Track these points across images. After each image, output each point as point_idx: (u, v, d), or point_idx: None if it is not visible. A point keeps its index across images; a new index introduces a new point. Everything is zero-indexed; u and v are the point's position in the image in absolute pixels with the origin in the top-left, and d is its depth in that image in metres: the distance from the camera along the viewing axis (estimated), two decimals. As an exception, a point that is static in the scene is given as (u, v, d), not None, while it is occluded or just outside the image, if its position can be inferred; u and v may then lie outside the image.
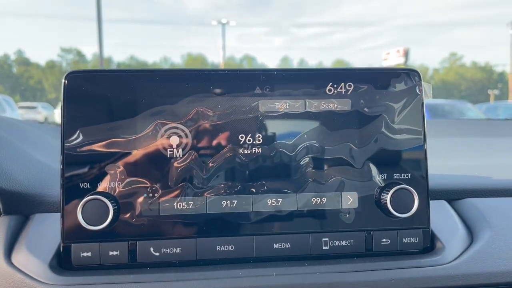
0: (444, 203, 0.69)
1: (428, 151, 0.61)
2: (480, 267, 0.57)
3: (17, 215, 0.62)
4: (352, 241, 0.57)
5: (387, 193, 0.56)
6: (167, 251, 0.55)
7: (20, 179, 0.63)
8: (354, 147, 0.58)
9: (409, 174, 0.58)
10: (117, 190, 0.54)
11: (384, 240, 0.58)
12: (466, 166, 0.86)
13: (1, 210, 0.61)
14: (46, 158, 0.74)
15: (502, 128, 1.52)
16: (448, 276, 0.55)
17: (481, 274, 0.56)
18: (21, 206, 0.62)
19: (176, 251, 0.55)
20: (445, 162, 0.91)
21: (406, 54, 23.33)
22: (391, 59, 24.50)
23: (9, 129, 0.76)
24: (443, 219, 0.64)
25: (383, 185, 0.58)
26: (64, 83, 0.55)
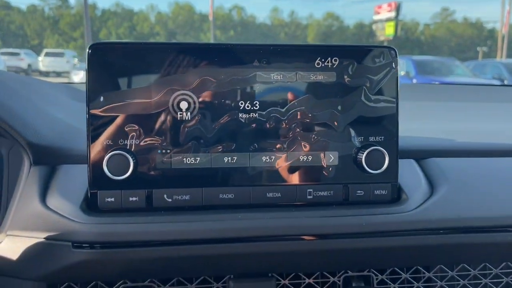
0: (412, 161, 0.80)
1: (404, 114, 0.71)
2: (436, 215, 0.69)
3: (45, 166, 0.71)
4: (332, 192, 0.68)
5: (363, 153, 0.67)
6: (178, 198, 0.65)
7: (45, 134, 0.72)
8: (337, 113, 0.67)
9: (382, 137, 0.69)
10: (135, 146, 0.64)
11: (359, 191, 0.69)
12: (437, 129, 0.97)
13: (31, 161, 0.71)
14: (65, 116, 0.83)
15: (480, 93, 1.62)
16: (409, 221, 0.68)
17: (437, 220, 0.68)
18: (48, 158, 0.71)
19: (186, 198, 0.66)
20: (420, 125, 1.02)
21: (398, 8, 22.94)
22: (382, 13, 24.15)
23: (29, 88, 0.84)
24: (409, 175, 0.76)
25: (360, 146, 0.68)
26: (88, 52, 0.63)
